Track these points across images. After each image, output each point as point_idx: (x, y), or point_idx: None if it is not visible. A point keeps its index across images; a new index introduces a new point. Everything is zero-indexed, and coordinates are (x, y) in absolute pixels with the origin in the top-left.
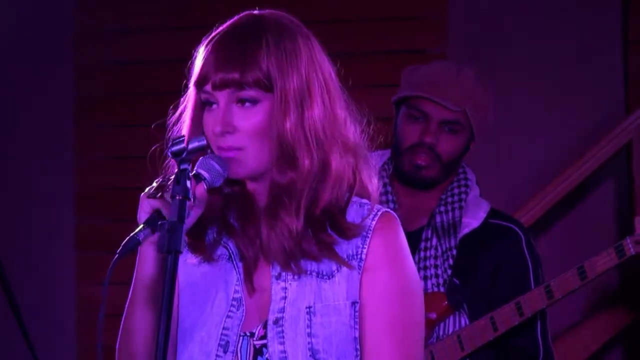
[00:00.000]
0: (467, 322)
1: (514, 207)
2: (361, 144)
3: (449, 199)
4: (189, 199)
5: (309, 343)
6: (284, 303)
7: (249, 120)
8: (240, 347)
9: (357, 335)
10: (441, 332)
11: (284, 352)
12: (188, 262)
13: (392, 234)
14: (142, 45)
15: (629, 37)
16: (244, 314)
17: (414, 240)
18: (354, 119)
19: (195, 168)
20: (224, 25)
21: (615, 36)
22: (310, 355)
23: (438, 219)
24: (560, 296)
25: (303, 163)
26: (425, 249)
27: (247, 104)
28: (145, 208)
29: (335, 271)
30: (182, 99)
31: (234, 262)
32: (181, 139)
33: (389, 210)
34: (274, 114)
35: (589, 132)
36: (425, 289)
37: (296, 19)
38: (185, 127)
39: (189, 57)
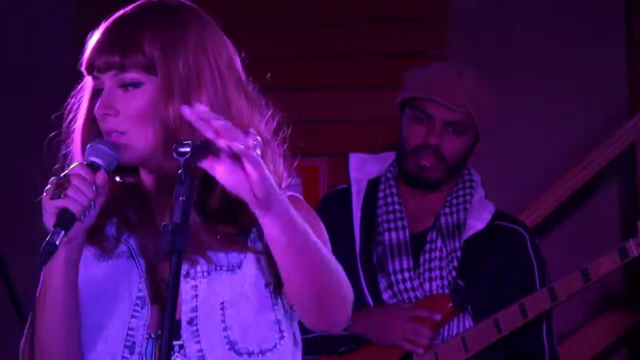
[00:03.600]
0: (472, 324)
1: (518, 208)
2: (263, 133)
3: (454, 201)
4: (193, 200)
5: (225, 337)
6: (196, 302)
7: (130, 103)
8: (146, 348)
9: (278, 316)
10: (446, 334)
11: (201, 350)
12: (87, 259)
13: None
14: None
15: (633, 38)
16: (149, 313)
17: (419, 241)
18: (256, 109)
19: (86, 157)
20: (118, 12)
21: (619, 37)
22: (229, 349)
23: (443, 220)
24: (564, 298)
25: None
26: (430, 250)
27: (130, 87)
28: (50, 210)
29: (243, 258)
30: (78, 86)
31: (136, 260)
32: (188, 140)
33: (294, 194)
34: (157, 98)
35: (593, 134)
36: (430, 291)
37: (194, 4)
38: (80, 118)
39: None
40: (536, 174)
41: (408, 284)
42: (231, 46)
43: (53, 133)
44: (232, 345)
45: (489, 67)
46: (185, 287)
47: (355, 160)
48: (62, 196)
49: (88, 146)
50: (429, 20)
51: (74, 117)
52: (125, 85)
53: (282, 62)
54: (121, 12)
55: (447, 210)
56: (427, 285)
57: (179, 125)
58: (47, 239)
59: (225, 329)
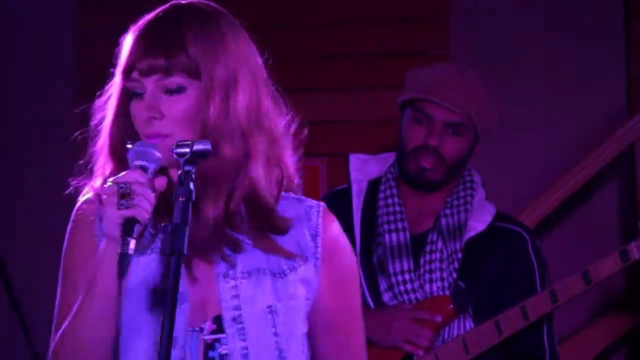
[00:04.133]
0: (472, 326)
1: (518, 208)
2: (287, 137)
3: (455, 202)
4: (192, 201)
5: (275, 342)
6: (238, 301)
7: (175, 106)
8: (189, 342)
9: (305, 331)
10: (446, 336)
11: (246, 348)
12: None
13: (337, 229)
14: None
15: (631, 39)
16: (188, 308)
17: (420, 243)
18: (281, 112)
19: (132, 162)
20: (150, 15)
21: (618, 38)
22: (278, 355)
23: (443, 222)
24: (565, 300)
25: (224, 151)
26: (431, 252)
27: (174, 91)
28: (117, 220)
29: (287, 270)
30: (107, 87)
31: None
32: (187, 141)
33: (324, 203)
34: (200, 101)
35: (593, 134)
36: (431, 292)
37: (221, 7)
38: (109, 117)
39: None
40: (536, 174)
41: (409, 286)
42: (255, 46)
43: (78, 132)
44: (280, 353)
45: (489, 67)
46: (225, 287)
47: (356, 161)
48: (129, 206)
49: (132, 151)
50: (429, 21)
51: (101, 116)
52: (169, 90)
53: (282, 63)
54: (155, 14)
55: (447, 211)
56: (427, 287)
57: (219, 126)
58: (120, 251)
59: (276, 334)
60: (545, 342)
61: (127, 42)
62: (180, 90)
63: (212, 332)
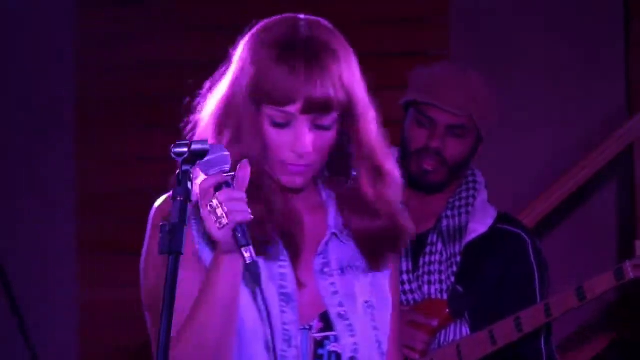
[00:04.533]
0: (468, 331)
1: (518, 208)
2: None
3: (457, 203)
4: (190, 201)
5: (375, 336)
6: (338, 298)
7: (324, 140)
8: (300, 341)
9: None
10: (442, 339)
11: (356, 344)
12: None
13: None
14: (145, 49)
15: (631, 40)
16: (297, 307)
17: (420, 243)
18: None
19: (207, 172)
20: (286, 33)
21: (618, 38)
22: (377, 348)
23: (444, 223)
24: (559, 314)
25: (389, 173)
26: (431, 253)
27: (326, 127)
28: (223, 238)
29: (369, 267)
30: (201, 99)
31: (281, 258)
32: (185, 141)
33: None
34: (341, 130)
35: (593, 134)
36: (429, 294)
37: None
38: (243, 140)
39: (191, 60)
40: (536, 174)
41: (407, 287)
42: None
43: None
44: (379, 345)
45: (489, 67)
46: (324, 284)
47: None
48: (227, 222)
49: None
50: (429, 21)
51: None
52: (321, 126)
53: None
54: (292, 31)
55: (449, 212)
56: (425, 288)
57: (367, 151)
58: (247, 262)
59: (375, 329)
60: (543, 348)
61: (267, 65)
62: (332, 126)
63: (321, 330)
